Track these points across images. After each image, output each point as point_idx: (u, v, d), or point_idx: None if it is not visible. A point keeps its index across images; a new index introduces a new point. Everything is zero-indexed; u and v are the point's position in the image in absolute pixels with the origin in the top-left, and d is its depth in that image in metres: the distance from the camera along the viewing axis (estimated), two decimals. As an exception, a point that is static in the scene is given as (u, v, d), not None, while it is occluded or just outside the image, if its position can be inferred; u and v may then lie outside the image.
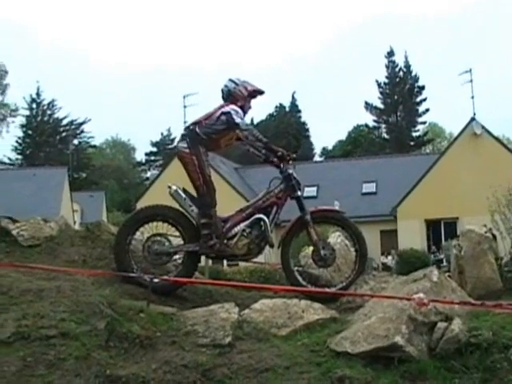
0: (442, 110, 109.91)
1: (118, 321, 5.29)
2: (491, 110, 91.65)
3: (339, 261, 7.45)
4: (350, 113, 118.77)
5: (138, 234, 7.12)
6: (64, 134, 76.66)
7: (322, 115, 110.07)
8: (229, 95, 7.27)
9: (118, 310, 5.50)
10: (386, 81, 72.53)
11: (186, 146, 7.01)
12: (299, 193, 7.15)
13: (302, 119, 79.52)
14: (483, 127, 37.90)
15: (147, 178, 75.27)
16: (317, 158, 73.94)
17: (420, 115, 73.03)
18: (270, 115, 77.71)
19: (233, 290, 7.65)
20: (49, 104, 76.56)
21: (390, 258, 33.92)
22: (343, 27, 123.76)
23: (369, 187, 42.25)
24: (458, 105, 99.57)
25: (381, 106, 72.90)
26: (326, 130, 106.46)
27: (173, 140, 74.45)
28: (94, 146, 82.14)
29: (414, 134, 73.85)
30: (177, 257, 7.09)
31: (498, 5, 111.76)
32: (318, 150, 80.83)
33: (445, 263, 25.95)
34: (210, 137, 7.04)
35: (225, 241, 6.93)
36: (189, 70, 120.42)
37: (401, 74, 72.55)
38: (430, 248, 35.44)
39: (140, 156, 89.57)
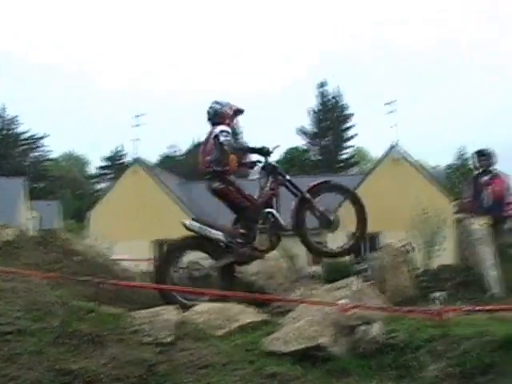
0: (368, 135, 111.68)
1: (70, 319, 5.24)
2: (413, 136, 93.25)
3: (273, 269, 7.57)
4: (283, 137, 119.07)
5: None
6: (23, 148, 75.37)
7: (258, 139, 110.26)
8: (215, 116, 7.30)
9: (70, 309, 5.45)
10: (319, 108, 73.24)
11: (217, 184, 7.04)
12: (288, 176, 7.40)
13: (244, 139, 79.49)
14: (401, 153, 39.06)
15: (99, 190, 74.28)
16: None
17: (348, 140, 74.03)
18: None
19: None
20: (11, 119, 75.23)
21: (318, 267, 34.13)
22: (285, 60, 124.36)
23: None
24: (383, 131, 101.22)
25: (314, 130, 73.49)
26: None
27: (123, 155, 73.72)
28: (51, 160, 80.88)
29: (342, 157, 74.78)
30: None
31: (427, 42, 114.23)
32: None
33: (369, 272, 26.30)
34: (224, 163, 7.03)
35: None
36: (136, 91, 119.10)
37: (332, 102, 73.36)
38: (355, 258, 35.80)
39: (93, 169, 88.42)
